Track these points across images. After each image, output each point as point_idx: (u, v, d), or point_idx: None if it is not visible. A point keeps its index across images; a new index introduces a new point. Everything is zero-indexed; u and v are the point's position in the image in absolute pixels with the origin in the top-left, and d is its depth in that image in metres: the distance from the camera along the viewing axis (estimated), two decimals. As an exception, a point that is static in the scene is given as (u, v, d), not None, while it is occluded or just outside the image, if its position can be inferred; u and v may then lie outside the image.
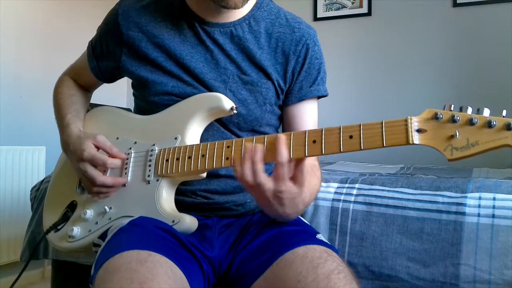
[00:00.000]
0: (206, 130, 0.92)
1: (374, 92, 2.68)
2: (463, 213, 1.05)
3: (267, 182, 0.73)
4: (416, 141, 0.68)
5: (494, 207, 1.04)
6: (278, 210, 0.78)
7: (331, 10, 2.81)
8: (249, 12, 0.95)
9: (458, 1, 2.50)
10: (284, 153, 0.73)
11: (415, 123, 0.68)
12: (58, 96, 1.08)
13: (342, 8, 2.79)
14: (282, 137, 0.75)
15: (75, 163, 0.93)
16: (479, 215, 1.04)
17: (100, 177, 0.89)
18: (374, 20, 2.71)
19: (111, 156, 0.92)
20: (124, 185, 0.91)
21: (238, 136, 0.93)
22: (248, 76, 0.93)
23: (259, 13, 0.96)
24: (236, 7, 0.87)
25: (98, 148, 0.91)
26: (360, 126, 0.72)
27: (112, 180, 0.90)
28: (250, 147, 0.75)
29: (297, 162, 0.75)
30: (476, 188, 1.09)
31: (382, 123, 0.70)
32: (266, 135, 0.78)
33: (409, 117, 0.69)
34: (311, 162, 0.94)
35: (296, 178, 0.75)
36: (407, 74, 2.61)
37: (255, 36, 0.94)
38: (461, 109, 0.67)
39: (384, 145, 0.69)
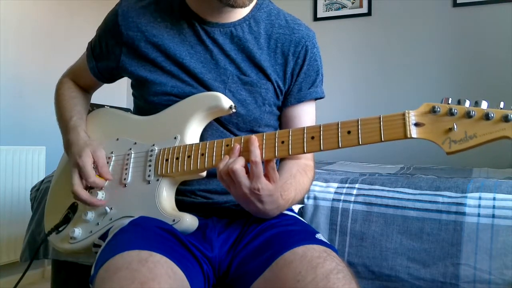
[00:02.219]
0: (205, 130, 0.92)
1: (374, 92, 2.68)
2: (463, 213, 1.05)
3: (244, 179, 0.76)
4: (414, 135, 0.68)
5: (494, 207, 1.04)
6: (258, 206, 0.80)
7: (331, 10, 2.81)
8: (249, 13, 0.96)
9: (458, 1, 2.50)
10: (257, 152, 0.77)
11: (412, 117, 0.68)
12: (60, 98, 1.09)
13: (342, 8, 2.79)
14: (255, 138, 0.79)
15: (72, 165, 0.94)
16: (479, 215, 1.04)
17: (78, 187, 0.90)
18: (374, 20, 2.71)
19: (99, 174, 0.92)
20: (125, 185, 0.91)
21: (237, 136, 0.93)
22: (248, 77, 0.93)
23: (259, 14, 0.96)
24: (243, 5, 0.88)
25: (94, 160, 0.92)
26: (358, 121, 0.72)
27: (86, 197, 0.90)
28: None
29: (266, 161, 0.78)
30: (476, 188, 1.09)
31: (380, 117, 0.70)
32: (242, 136, 0.81)
33: (406, 111, 0.69)
34: (304, 162, 0.95)
35: (269, 175, 0.78)
36: (407, 74, 2.61)
37: (255, 36, 0.94)
38: (459, 102, 0.67)
39: (382, 139, 0.69)
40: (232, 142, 0.81)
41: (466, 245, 1.03)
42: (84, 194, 0.90)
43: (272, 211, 0.83)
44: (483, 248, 1.01)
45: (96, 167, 0.92)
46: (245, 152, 0.79)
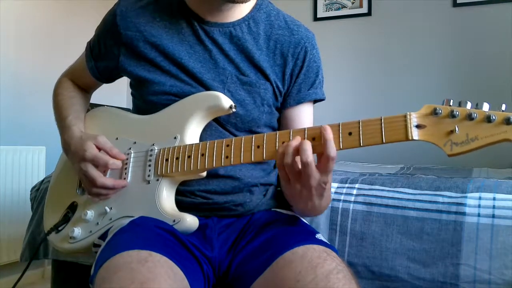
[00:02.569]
0: (204, 130, 0.91)
1: (374, 92, 2.68)
2: (463, 213, 1.05)
3: (315, 172, 0.73)
4: (416, 137, 0.68)
5: (494, 207, 1.04)
6: (315, 202, 0.78)
7: (331, 10, 2.81)
8: (248, 13, 0.96)
9: (458, 1, 2.50)
10: (334, 147, 0.72)
11: (414, 118, 0.68)
12: (58, 97, 1.09)
13: (342, 8, 2.79)
14: (330, 130, 0.73)
15: (76, 164, 0.93)
16: (479, 215, 1.04)
17: (101, 178, 0.89)
18: (374, 20, 2.71)
19: (112, 157, 0.91)
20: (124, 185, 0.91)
21: (236, 136, 0.93)
22: (247, 77, 0.93)
23: (258, 14, 0.96)
24: (244, 0, 0.87)
25: (99, 148, 0.91)
26: (359, 122, 0.72)
27: (113, 182, 0.90)
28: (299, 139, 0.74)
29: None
30: (476, 188, 1.08)
31: (381, 119, 0.70)
32: (306, 128, 0.76)
33: (408, 113, 0.69)
34: None
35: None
36: (407, 74, 2.61)
37: (254, 37, 0.94)
38: (460, 104, 0.66)
39: (384, 141, 0.69)
40: (233, 142, 0.81)
41: (466, 245, 1.02)
42: (110, 180, 0.89)
43: (323, 208, 0.83)
44: (483, 248, 1.01)
45: (105, 152, 0.91)
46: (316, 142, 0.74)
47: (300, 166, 0.73)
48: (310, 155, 0.72)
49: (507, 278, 0.98)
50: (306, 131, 0.75)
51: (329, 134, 0.72)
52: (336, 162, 2.27)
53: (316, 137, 0.74)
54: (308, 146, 0.72)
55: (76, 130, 0.98)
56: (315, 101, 1.01)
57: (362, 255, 1.11)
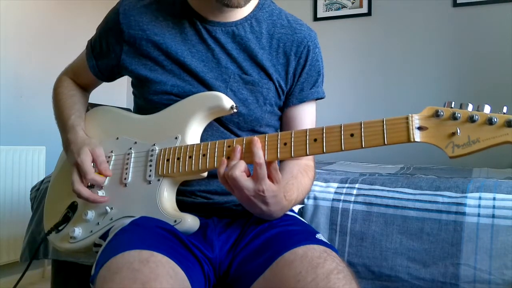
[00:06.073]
0: (205, 130, 0.92)
1: (374, 92, 2.68)
2: (463, 213, 1.05)
3: (246, 183, 0.76)
4: (418, 139, 0.68)
5: (494, 207, 1.04)
6: (262, 208, 0.80)
7: (331, 10, 2.81)
8: (251, 12, 0.96)
9: (458, 1, 2.50)
10: (260, 154, 0.77)
11: (416, 120, 0.68)
12: (59, 96, 1.09)
13: (342, 8, 2.79)
14: (257, 139, 0.78)
15: (70, 165, 0.94)
16: (479, 215, 1.04)
17: (78, 185, 0.90)
18: (374, 20, 2.71)
19: (99, 171, 0.92)
20: (125, 185, 0.91)
21: (238, 136, 0.93)
22: (249, 76, 0.93)
23: (260, 13, 0.97)
24: (239, 5, 0.88)
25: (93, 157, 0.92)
26: (361, 124, 0.72)
27: (88, 195, 0.90)
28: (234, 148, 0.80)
29: (268, 162, 0.78)
30: (476, 188, 1.09)
31: (383, 121, 0.70)
32: (244, 138, 0.81)
33: (410, 114, 0.69)
34: (304, 162, 0.95)
35: (272, 176, 0.78)
36: (407, 74, 2.61)
37: (257, 36, 0.95)
38: (461, 106, 0.67)
39: (386, 143, 0.70)
40: (234, 143, 0.81)
41: (466, 245, 1.03)
42: (85, 191, 0.90)
43: (277, 212, 0.83)
44: (483, 248, 1.01)
45: (95, 164, 0.92)
46: (247, 153, 0.79)
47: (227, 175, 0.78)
48: (235, 171, 0.76)
49: (507, 278, 0.98)
50: (308, 132, 0.76)
51: (256, 146, 0.78)
52: (336, 162, 2.25)
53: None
54: (237, 163, 0.77)
55: (80, 131, 0.98)
56: (316, 99, 1.01)
57: (362, 255, 1.11)
